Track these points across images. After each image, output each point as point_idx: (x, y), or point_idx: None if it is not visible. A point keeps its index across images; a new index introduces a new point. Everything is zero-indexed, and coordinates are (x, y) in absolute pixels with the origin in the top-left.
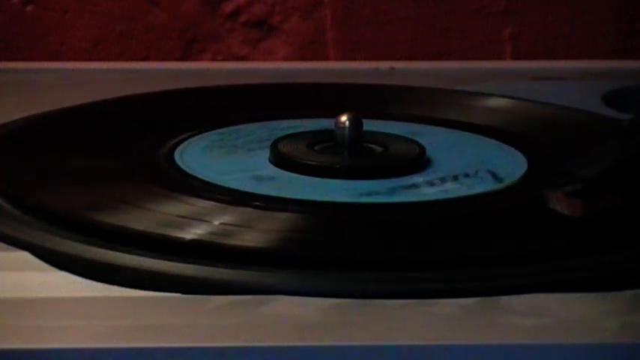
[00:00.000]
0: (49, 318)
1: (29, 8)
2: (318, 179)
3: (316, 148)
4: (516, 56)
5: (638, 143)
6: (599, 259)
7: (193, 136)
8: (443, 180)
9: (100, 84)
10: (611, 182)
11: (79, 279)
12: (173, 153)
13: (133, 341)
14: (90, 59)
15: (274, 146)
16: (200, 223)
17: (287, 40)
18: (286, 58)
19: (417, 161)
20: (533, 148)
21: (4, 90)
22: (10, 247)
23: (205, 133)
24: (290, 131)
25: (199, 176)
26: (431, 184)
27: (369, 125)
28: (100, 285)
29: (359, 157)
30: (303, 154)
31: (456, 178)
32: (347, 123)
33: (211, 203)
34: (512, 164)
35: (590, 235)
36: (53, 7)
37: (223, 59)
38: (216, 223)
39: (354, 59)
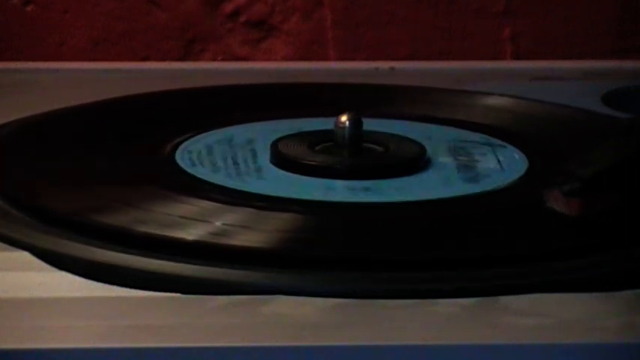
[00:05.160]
0: (49, 318)
1: (29, 8)
2: (318, 179)
3: (316, 148)
4: (516, 56)
5: (637, 143)
6: (599, 259)
7: (194, 136)
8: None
9: (100, 84)
10: (610, 182)
11: (79, 279)
12: (174, 153)
13: (133, 341)
14: (90, 59)
15: (274, 146)
16: (201, 223)
17: (287, 40)
18: (286, 58)
19: (417, 161)
20: (533, 147)
21: (4, 90)
22: (10, 247)
23: (206, 133)
24: (290, 131)
25: (200, 176)
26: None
27: (369, 125)
28: (100, 285)
29: (359, 157)
30: (303, 154)
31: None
32: (347, 123)
33: (212, 204)
34: (511, 164)
35: (589, 235)
36: (53, 7)
37: (223, 59)
38: (218, 223)
39: (354, 59)
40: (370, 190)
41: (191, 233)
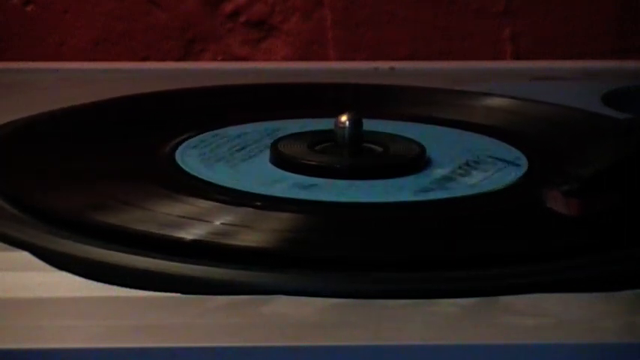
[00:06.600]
0: (49, 318)
1: (29, 8)
2: (318, 179)
3: (316, 148)
4: (516, 56)
5: (637, 142)
6: (599, 259)
7: (194, 136)
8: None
9: (100, 84)
10: (609, 181)
11: (78, 279)
12: (174, 153)
13: (133, 341)
14: (90, 59)
15: (274, 146)
16: (200, 223)
17: (287, 40)
18: (286, 58)
19: (417, 161)
20: (532, 147)
21: (4, 90)
22: (10, 247)
23: (206, 133)
24: (290, 131)
25: (200, 176)
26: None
27: (369, 125)
28: (99, 285)
29: (359, 157)
30: (303, 154)
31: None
32: (347, 123)
33: (212, 203)
34: (511, 164)
35: (589, 235)
36: (53, 7)
37: (223, 59)
38: (217, 223)
39: (354, 59)
40: (370, 191)
41: (190, 233)
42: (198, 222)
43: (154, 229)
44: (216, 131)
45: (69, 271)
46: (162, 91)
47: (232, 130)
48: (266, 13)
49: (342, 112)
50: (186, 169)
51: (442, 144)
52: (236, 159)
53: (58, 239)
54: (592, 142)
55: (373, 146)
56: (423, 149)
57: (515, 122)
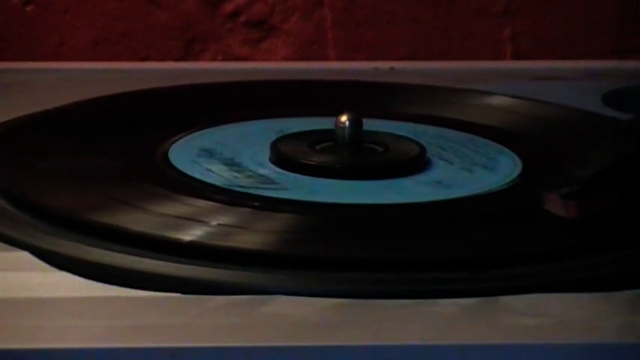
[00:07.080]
0: (48, 318)
1: (29, 8)
2: (317, 179)
3: (316, 148)
4: (516, 56)
5: (637, 142)
6: (599, 259)
7: (190, 134)
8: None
9: (100, 84)
10: (608, 182)
11: (78, 279)
12: (173, 152)
13: (133, 341)
14: (90, 59)
15: (274, 146)
16: (199, 223)
17: (287, 40)
18: (286, 58)
19: (417, 161)
20: (532, 148)
21: (4, 90)
22: (10, 247)
23: (202, 131)
24: (290, 130)
25: (197, 176)
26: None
27: (369, 124)
28: (99, 285)
29: (359, 157)
30: (303, 153)
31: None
32: (347, 123)
33: (210, 204)
34: (510, 164)
35: (589, 235)
36: (53, 7)
37: (223, 59)
38: (215, 223)
39: (354, 59)
40: (370, 190)
41: (189, 233)
42: (196, 222)
43: (153, 230)
44: (213, 129)
45: (69, 271)
46: (158, 88)
47: (231, 129)
48: (266, 13)
49: (341, 112)
50: (183, 170)
51: (441, 144)
52: (234, 158)
53: (58, 239)
54: (592, 143)
55: (373, 146)
56: (423, 149)
57: (515, 122)
